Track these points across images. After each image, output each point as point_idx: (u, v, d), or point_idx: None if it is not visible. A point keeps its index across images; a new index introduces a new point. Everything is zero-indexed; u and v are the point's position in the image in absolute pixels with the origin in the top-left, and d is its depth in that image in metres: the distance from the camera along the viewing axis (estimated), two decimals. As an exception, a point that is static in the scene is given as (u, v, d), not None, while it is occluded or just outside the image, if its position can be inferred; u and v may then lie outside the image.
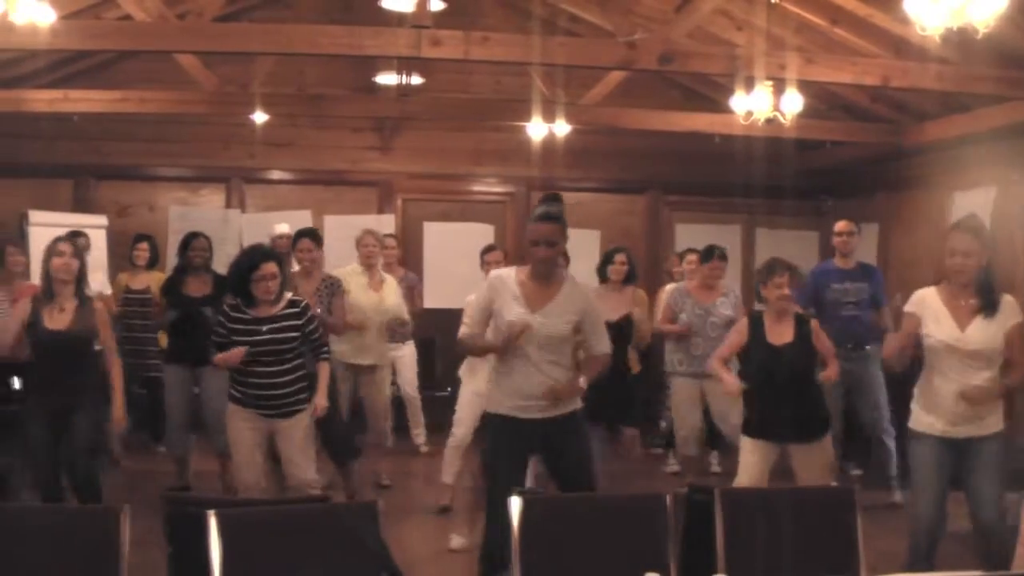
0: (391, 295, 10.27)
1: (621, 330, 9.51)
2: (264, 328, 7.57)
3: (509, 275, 6.61)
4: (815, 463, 7.67)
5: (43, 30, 8.45)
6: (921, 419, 6.68)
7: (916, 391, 6.78)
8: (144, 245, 11.72)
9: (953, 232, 6.63)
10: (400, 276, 11.33)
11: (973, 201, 11.30)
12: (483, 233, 13.54)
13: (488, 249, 9.89)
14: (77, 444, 7.75)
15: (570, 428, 6.64)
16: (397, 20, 10.24)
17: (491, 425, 6.77)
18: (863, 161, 13.51)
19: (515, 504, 5.01)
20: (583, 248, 12.48)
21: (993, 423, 6.57)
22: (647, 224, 15.40)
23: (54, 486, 7.75)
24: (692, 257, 11.02)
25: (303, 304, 7.84)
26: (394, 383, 11.50)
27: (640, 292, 10.16)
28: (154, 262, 11.76)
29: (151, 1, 9.43)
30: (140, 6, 9.40)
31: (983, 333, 6.44)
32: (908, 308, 6.70)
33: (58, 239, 7.93)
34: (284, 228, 11.63)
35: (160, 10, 9.41)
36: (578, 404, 6.70)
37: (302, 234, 9.86)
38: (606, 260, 10.00)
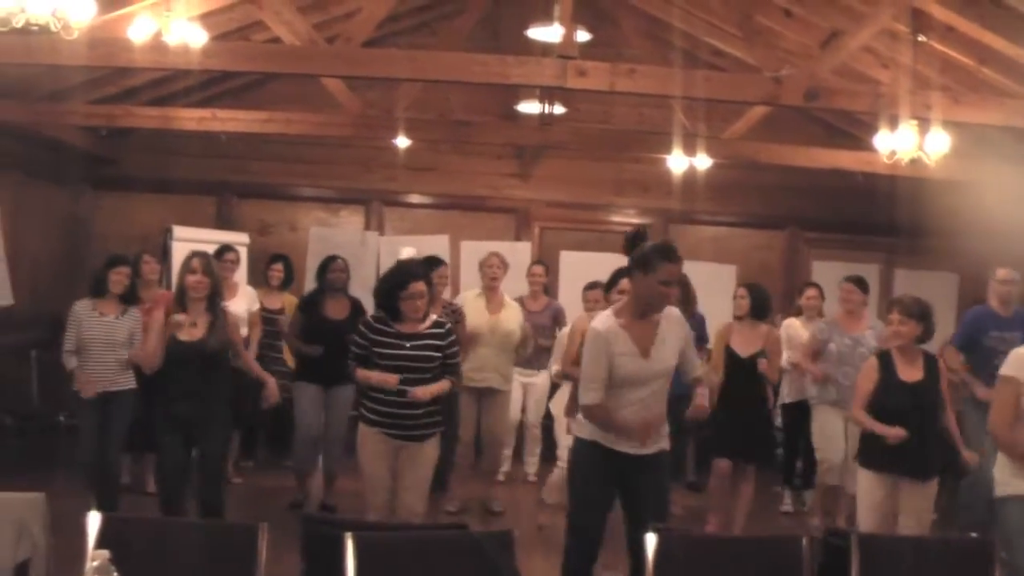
0: (510, 320, 10.25)
1: (754, 366, 9.47)
2: (407, 344, 7.52)
3: (611, 324, 6.49)
4: (919, 505, 7.58)
5: (194, 51, 8.65)
6: (1009, 480, 6.46)
7: (1001, 456, 6.55)
8: (279, 265, 11.86)
9: None
10: (544, 304, 11.31)
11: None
12: (618, 263, 13.45)
13: (589, 287, 9.77)
14: (212, 459, 7.89)
15: (657, 465, 6.60)
16: (542, 50, 10.31)
17: (579, 451, 6.74)
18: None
19: (651, 540, 5.00)
20: (719, 283, 12.46)
21: None
22: (784, 260, 15.28)
23: (177, 495, 7.87)
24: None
25: (447, 326, 7.80)
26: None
27: (775, 331, 10.06)
28: (288, 282, 11.90)
29: (301, 24, 9.55)
30: (290, 29, 9.54)
31: None
32: (1007, 372, 6.49)
33: (192, 255, 8.08)
34: (411, 253, 11.69)
35: (310, 33, 9.53)
36: (667, 443, 6.66)
37: (439, 262, 9.93)
38: (734, 295, 9.96)
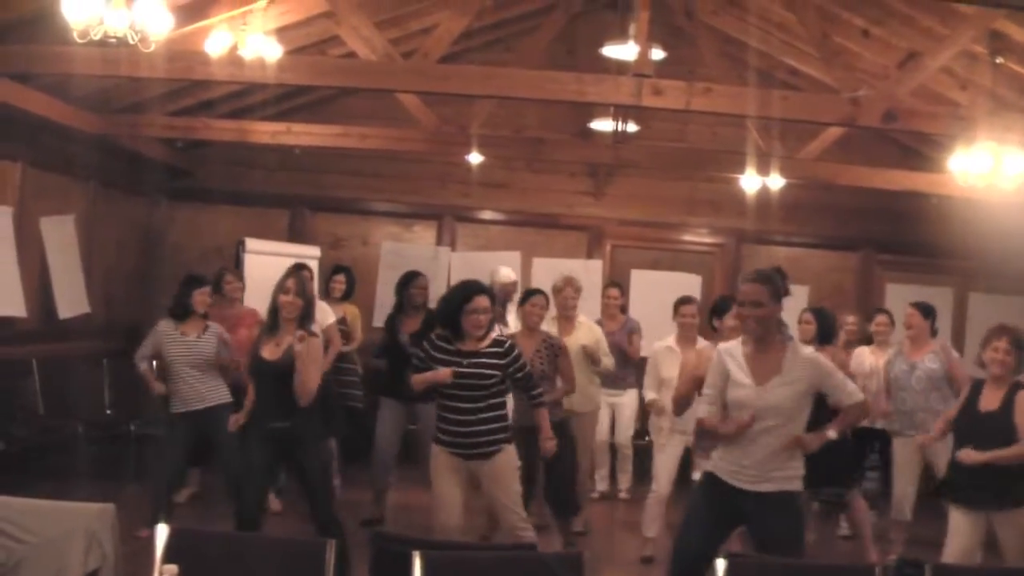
0: (582, 337, 10.06)
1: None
2: (465, 362, 7.51)
3: (736, 347, 6.48)
4: (1009, 536, 7.35)
5: (270, 65, 8.71)
6: None
7: None
8: (341, 277, 11.87)
9: None
10: (621, 323, 11.24)
11: None
12: (690, 283, 13.43)
13: (684, 301, 9.76)
14: (313, 474, 7.90)
15: (781, 507, 6.35)
16: (617, 68, 10.28)
17: (703, 483, 6.68)
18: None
19: (720, 566, 4.95)
20: (791, 304, 12.32)
21: None
22: (858, 282, 15.14)
23: (255, 511, 7.85)
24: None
25: (508, 344, 7.73)
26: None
27: (839, 355, 9.85)
28: (349, 293, 11.90)
29: (377, 39, 9.58)
30: (366, 44, 9.57)
31: None
32: None
33: (288, 275, 8.07)
34: (511, 275, 11.59)
35: (386, 49, 9.56)
36: (796, 484, 6.42)
37: (537, 291, 9.63)
38: (799, 320, 9.85)
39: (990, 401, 7.49)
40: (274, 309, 7.93)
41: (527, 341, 9.07)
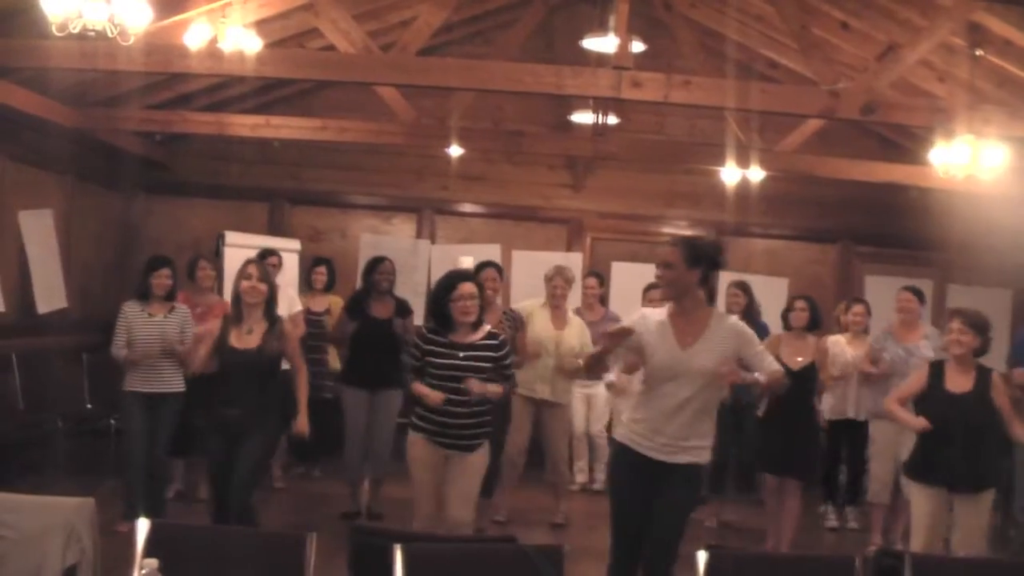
0: (574, 336, 10.12)
1: (804, 379, 9.40)
2: (460, 354, 7.48)
3: (658, 312, 6.56)
4: (972, 521, 7.48)
5: (249, 58, 8.68)
6: None
7: None
8: (322, 268, 11.92)
9: None
10: (602, 315, 11.19)
11: None
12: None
13: (651, 287, 9.87)
14: (244, 463, 7.83)
15: (687, 479, 6.47)
16: (597, 60, 10.29)
17: (614, 454, 6.76)
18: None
19: (701, 558, 4.96)
20: (771, 295, 12.35)
21: None
22: (837, 274, 15.18)
23: (222, 502, 7.83)
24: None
25: (502, 338, 7.75)
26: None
27: (822, 342, 10.01)
28: (331, 285, 11.93)
29: (356, 32, 9.56)
30: (345, 37, 9.55)
31: None
32: None
33: (248, 262, 8.06)
34: (469, 262, 11.69)
35: (364, 41, 9.54)
36: (705, 456, 6.53)
37: (486, 264, 9.85)
38: (788, 307, 9.88)
39: (959, 383, 7.57)
40: (237, 297, 7.89)
41: (487, 315, 9.06)
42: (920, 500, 7.60)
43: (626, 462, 6.54)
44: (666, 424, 6.36)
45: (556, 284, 10.21)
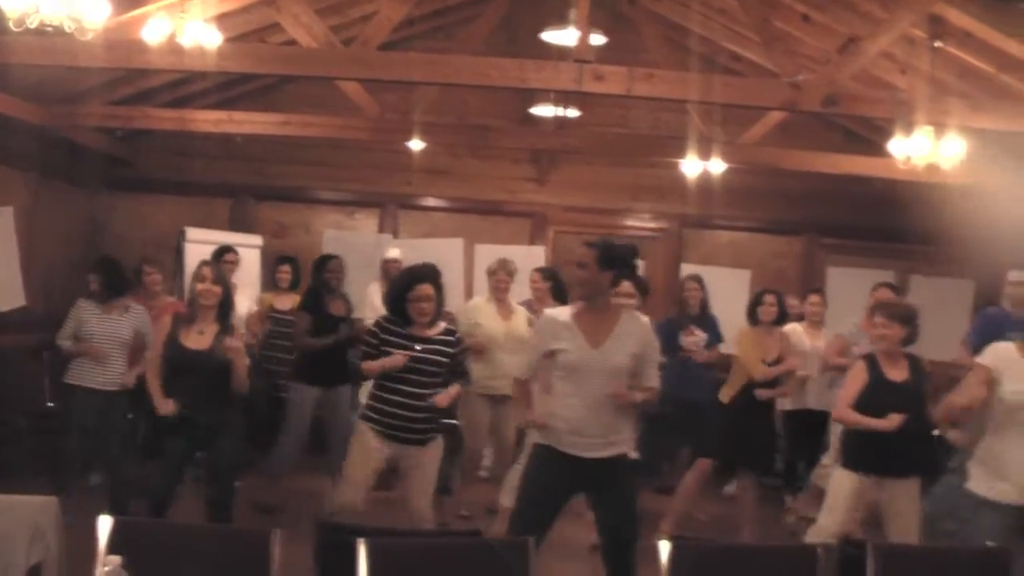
0: (520, 324, 10.16)
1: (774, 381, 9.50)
2: (418, 347, 7.55)
3: (564, 312, 6.70)
4: (905, 506, 7.54)
5: (210, 53, 8.62)
6: (990, 484, 6.45)
7: (979, 452, 6.57)
8: (286, 267, 11.86)
9: None
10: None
11: None
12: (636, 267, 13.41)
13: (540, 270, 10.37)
14: (222, 464, 7.84)
15: (618, 471, 6.60)
16: (558, 54, 10.28)
17: (537, 456, 6.76)
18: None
19: (664, 548, 4.98)
20: (732, 288, 12.41)
21: None
22: (800, 266, 15.21)
23: (167, 498, 7.76)
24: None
25: (458, 335, 7.87)
26: None
27: (787, 335, 10.07)
28: (296, 283, 11.86)
29: (318, 27, 9.53)
30: (307, 32, 9.52)
31: None
32: (983, 360, 6.50)
33: (203, 263, 8.05)
34: (396, 253, 11.71)
35: (327, 36, 9.51)
36: (630, 448, 6.69)
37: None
38: (756, 301, 9.91)
39: (896, 373, 7.66)
40: (193, 298, 7.88)
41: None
42: (845, 484, 7.63)
43: (548, 459, 6.62)
44: (585, 424, 6.47)
45: (499, 278, 10.33)
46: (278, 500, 10.05)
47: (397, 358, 7.45)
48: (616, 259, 6.56)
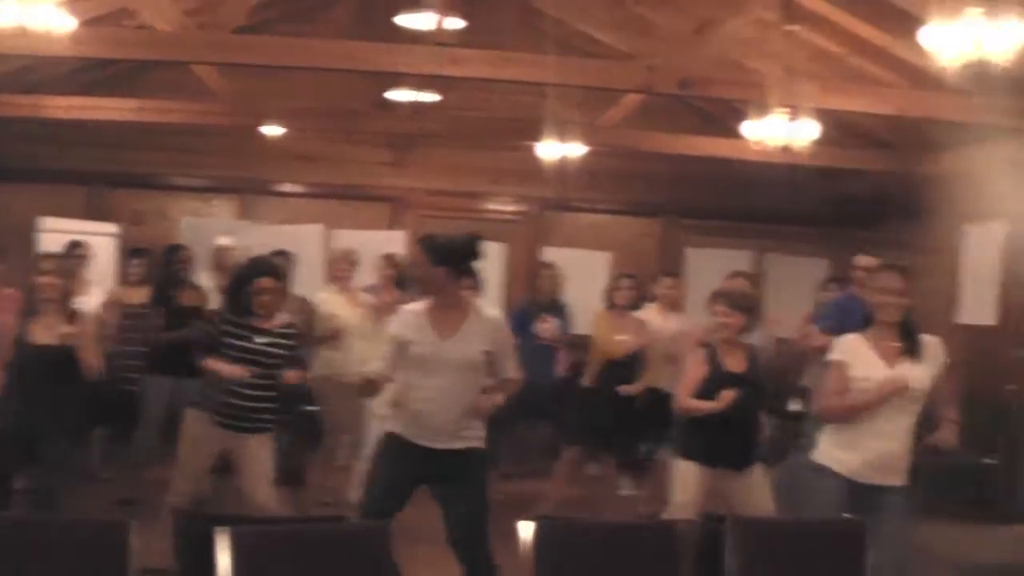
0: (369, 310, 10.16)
1: (634, 360, 9.56)
2: (256, 338, 7.49)
3: (416, 306, 6.68)
4: (754, 495, 7.54)
5: (60, 37, 8.44)
6: (833, 455, 6.59)
7: (830, 426, 6.70)
8: (137, 261, 11.40)
9: (885, 271, 6.61)
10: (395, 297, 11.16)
11: (985, 235, 11.28)
12: (495, 252, 13.45)
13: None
14: (48, 457, 7.69)
15: (469, 464, 6.60)
16: (413, 38, 10.26)
17: (387, 445, 6.75)
18: (878, 190, 13.46)
19: (528, 528, 5.00)
20: (592, 270, 12.48)
21: (903, 476, 6.53)
22: (661, 248, 15.36)
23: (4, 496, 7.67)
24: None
25: (297, 331, 7.86)
26: None
27: (643, 320, 10.11)
28: (149, 276, 11.61)
29: (172, 10, 9.41)
30: (161, 16, 9.39)
31: (912, 373, 6.38)
32: (835, 356, 6.61)
33: (44, 255, 7.91)
34: (228, 240, 11.51)
35: (181, 20, 9.40)
36: (481, 441, 6.66)
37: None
38: (613, 286, 9.97)
39: (735, 363, 7.65)
40: (32, 292, 7.75)
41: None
42: (687, 474, 7.58)
43: (397, 448, 6.62)
44: (434, 417, 6.47)
45: (340, 267, 10.46)
46: (137, 492, 9.90)
47: (237, 370, 7.32)
48: (447, 253, 6.49)
